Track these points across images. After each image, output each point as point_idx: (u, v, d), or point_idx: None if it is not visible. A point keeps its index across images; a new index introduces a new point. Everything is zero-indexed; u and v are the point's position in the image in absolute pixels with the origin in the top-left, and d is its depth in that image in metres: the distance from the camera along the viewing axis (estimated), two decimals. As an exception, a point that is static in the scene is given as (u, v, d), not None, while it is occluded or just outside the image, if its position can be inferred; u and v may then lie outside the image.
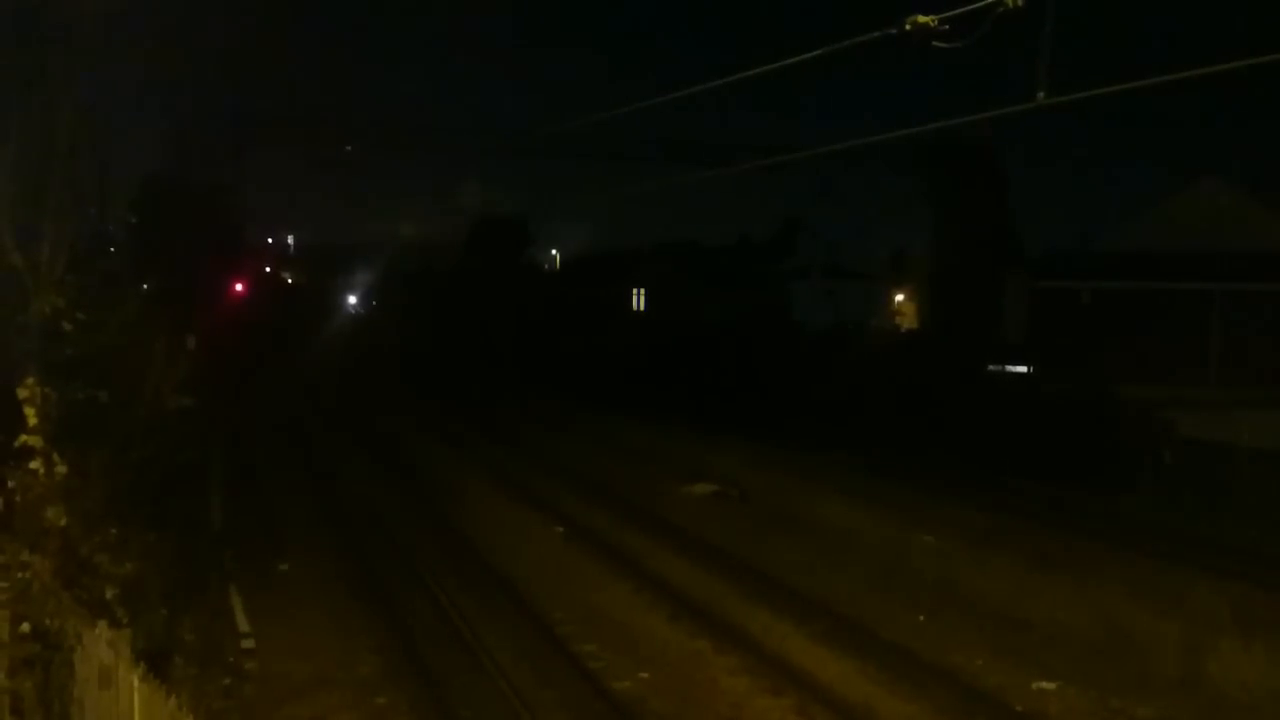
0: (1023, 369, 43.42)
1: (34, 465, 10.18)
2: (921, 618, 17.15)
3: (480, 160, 64.65)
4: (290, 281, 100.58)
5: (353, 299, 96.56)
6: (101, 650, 8.45)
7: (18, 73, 12.44)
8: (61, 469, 10.39)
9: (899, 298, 63.42)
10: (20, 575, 9.51)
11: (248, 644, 14.61)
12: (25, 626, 9.29)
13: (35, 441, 10.17)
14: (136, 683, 7.79)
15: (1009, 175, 54.03)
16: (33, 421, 10.15)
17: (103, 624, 8.84)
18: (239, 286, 59.15)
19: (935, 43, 10.69)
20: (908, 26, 10.68)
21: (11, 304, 11.59)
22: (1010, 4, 9.88)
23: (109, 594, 10.30)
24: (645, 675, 14.33)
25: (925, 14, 10.63)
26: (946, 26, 10.60)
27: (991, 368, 43.79)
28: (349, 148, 57.26)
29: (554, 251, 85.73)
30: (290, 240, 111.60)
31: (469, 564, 20.02)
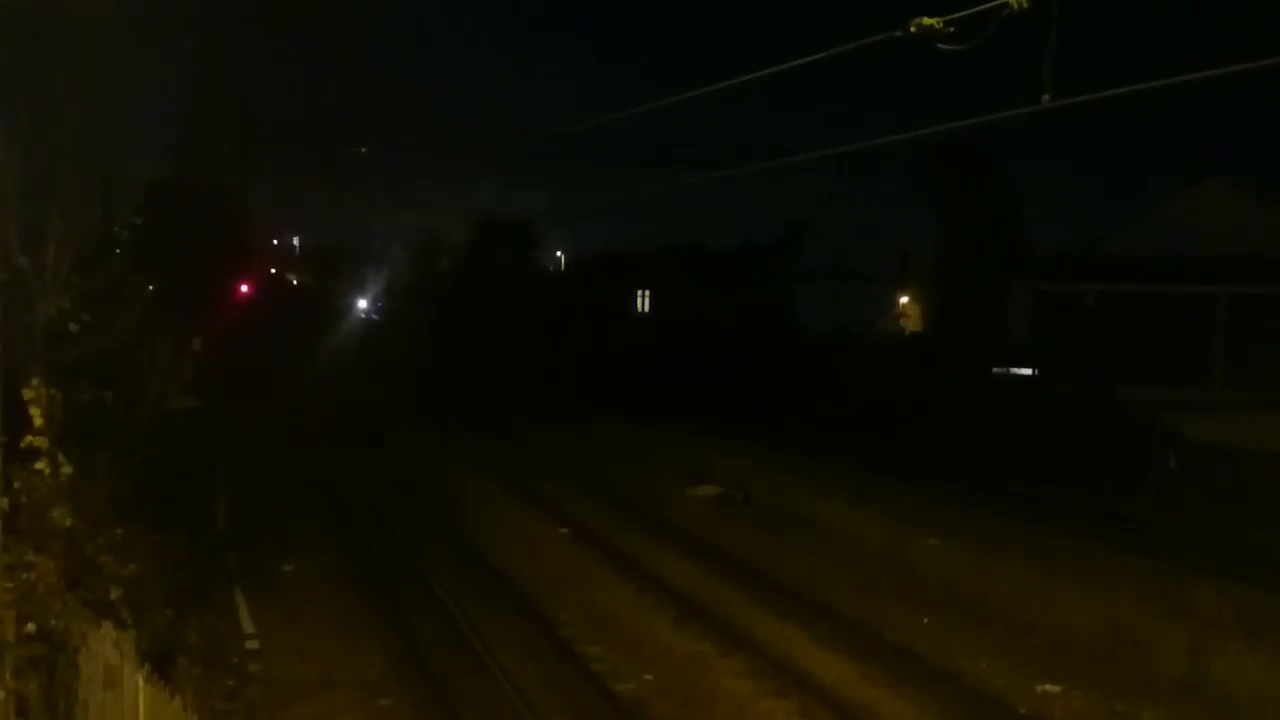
0: (1027, 372, 43.43)
1: (39, 466, 10.19)
2: (926, 620, 17.14)
3: (489, 162, 64.62)
4: (295, 283, 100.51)
5: (363, 302, 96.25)
6: (106, 651, 8.48)
7: (24, 73, 12.47)
8: (67, 470, 10.40)
9: (903, 300, 63.44)
10: (25, 576, 9.52)
11: (252, 645, 14.62)
12: (30, 627, 9.30)
13: (40, 443, 10.17)
14: (141, 683, 7.81)
15: (1014, 177, 54.07)
16: (38, 422, 10.16)
17: (108, 625, 8.86)
18: (244, 288, 59.10)
19: (940, 45, 10.68)
20: (913, 29, 10.68)
21: (17, 305, 11.60)
22: (1015, 6, 9.86)
23: (114, 595, 10.30)
24: (649, 677, 14.33)
25: (930, 16, 10.62)
26: (952, 29, 10.59)
27: (996, 370, 43.81)
28: (363, 149, 57.35)
29: (559, 253, 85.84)
30: (296, 242, 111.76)
31: (473, 565, 20.02)
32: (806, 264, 65.92)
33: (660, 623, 16.73)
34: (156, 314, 17.00)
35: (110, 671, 8.34)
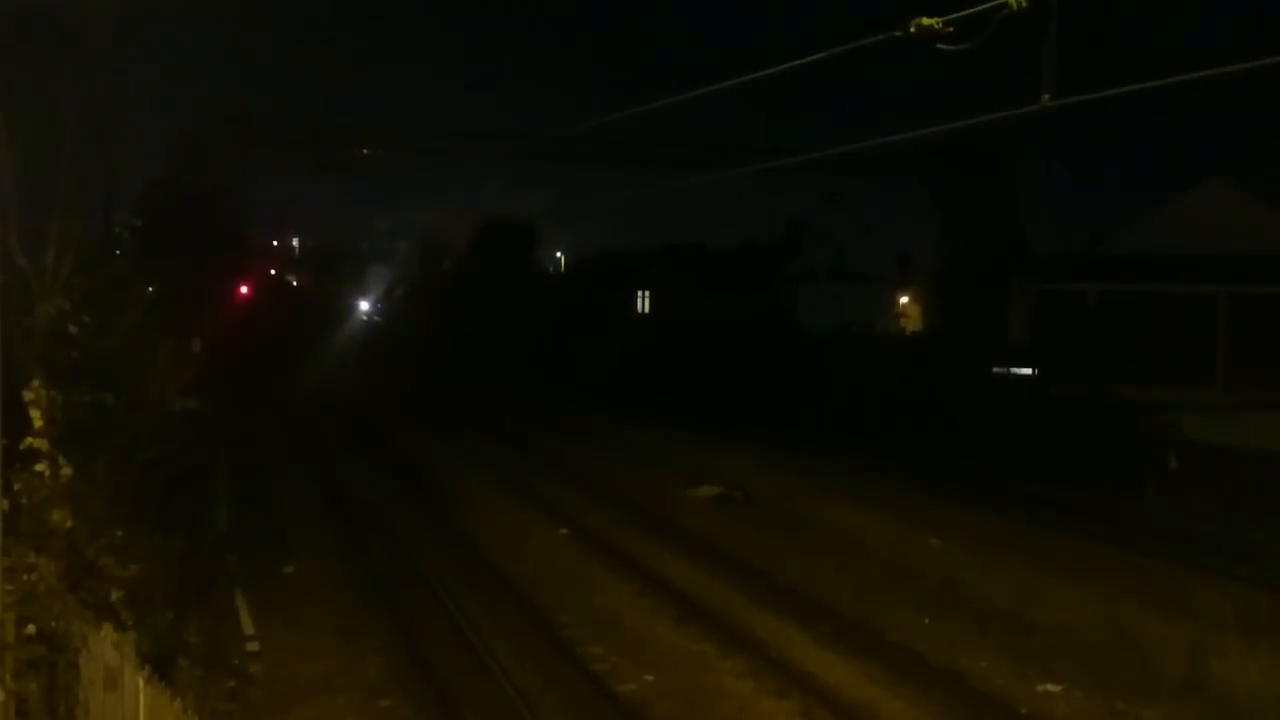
0: (1028, 372, 43.41)
1: (40, 468, 10.20)
2: (927, 620, 17.13)
3: (490, 163, 64.65)
4: (295, 285, 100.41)
5: (364, 304, 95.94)
6: (107, 652, 8.47)
7: (24, 74, 12.48)
8: (67, 471, 10.41)
9: (903, 300, 63.42)
10: (26, 577, 9.53)
11: (253, 646, 14.62)
12: (31, 629, 9.31)
13: (41, 444, 10.19)
14: (142, 685, 7.80)
15: (1014, 178, 54.06)
16: (38, 424, 10.17)
17: (108, 626, 8.85)
18: (244, 290, 59.11)
19: (940, 45, 10.68)
20: (912, 29, 10.68)
21: (18, 307, 11.61)
22: (1014, 6, 9.86)
23: (114, 596, 10.31)
24: (650, 678, 14.32)
25: (930, 16, 10.62)
26: (951, 29, 10.59)
27: (997, 370, 43.79)
28: (364, 150, 57.35)
29: (559, 254, 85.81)
30: (295, 243, 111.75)
31: (474, 566, 20.02)
32: (807, 264, 65.89)
33: (661, 623, 16.72)
34: (156, 315, 16.99)
35: (110, 673, 8.33)
